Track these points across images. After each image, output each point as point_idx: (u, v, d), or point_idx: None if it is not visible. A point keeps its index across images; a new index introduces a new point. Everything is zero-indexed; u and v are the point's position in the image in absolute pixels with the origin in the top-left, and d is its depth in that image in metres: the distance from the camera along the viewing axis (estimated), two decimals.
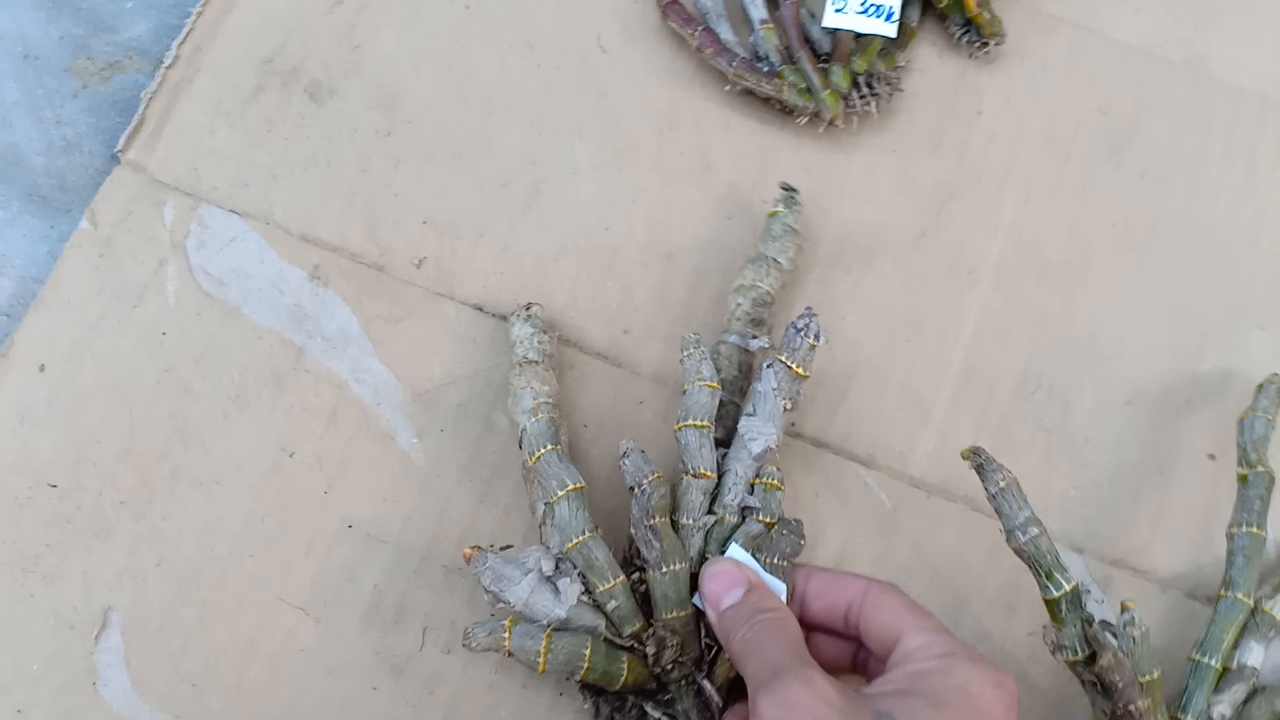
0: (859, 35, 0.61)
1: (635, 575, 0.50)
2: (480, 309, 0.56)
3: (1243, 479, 0.54)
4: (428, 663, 0.51)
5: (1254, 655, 0.52)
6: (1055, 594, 0.50)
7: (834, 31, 0.62)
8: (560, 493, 0.49)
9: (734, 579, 0.46)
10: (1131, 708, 0.48)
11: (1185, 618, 0.54)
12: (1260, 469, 0.54)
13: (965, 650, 0.42)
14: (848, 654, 0.48)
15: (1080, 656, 0.50)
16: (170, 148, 0.58)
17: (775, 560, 0.49)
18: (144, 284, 0.55)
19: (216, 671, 0.50)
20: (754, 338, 0.55)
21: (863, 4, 0.58)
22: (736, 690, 0.49)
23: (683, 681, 0.48)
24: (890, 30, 0.61)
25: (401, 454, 0.54)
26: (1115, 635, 0.50)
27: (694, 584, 0.49)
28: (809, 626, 0.48)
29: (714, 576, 0.47)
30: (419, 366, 0.55)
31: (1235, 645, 0.52)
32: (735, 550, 0.48)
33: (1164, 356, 0.59)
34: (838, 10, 0.61)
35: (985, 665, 0.42)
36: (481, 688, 0.51)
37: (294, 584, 0.52)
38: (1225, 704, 0.51)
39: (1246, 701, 0.52)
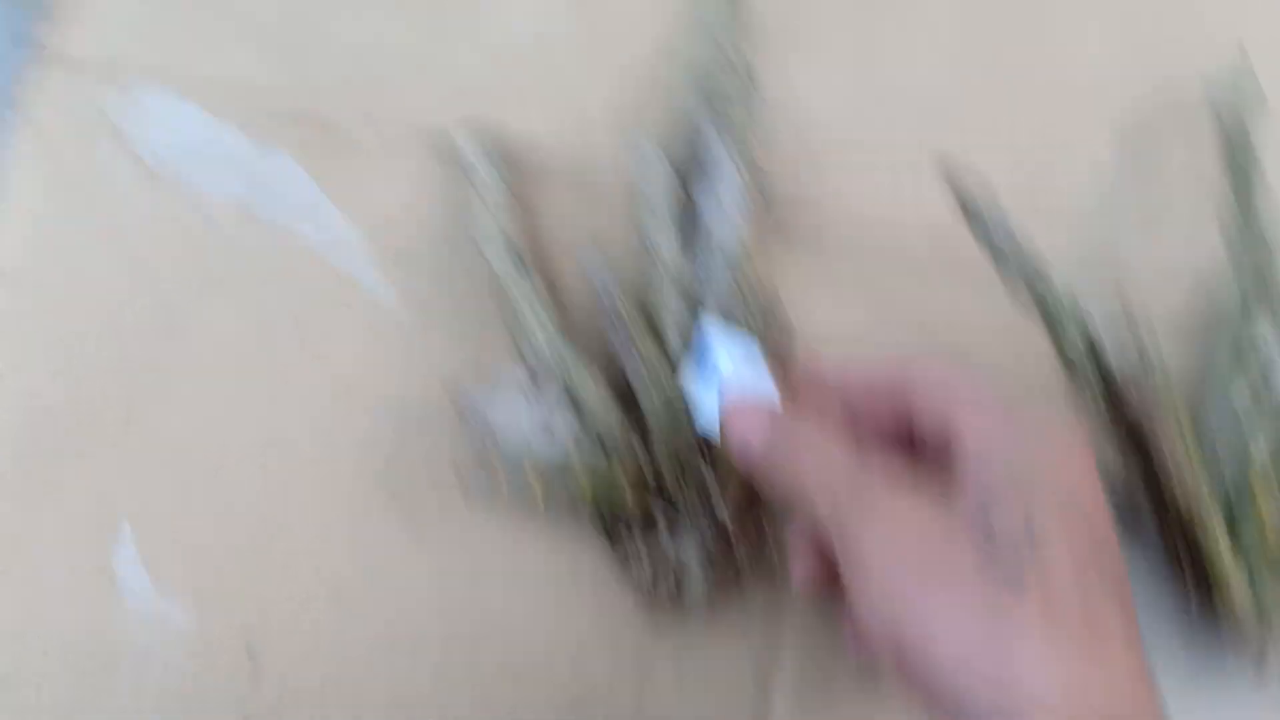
0: None
1: (623, 383, 0.48)
2: (430, 137, 0.53)
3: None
4: (448, 520, 0.50)
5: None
6: (1068, 350, 0.47)
7: None
8: (529, 311, 0.48)
9: (754, 417, 0.41)
10: (1161, 446, 0.45)
11: (1198, 336, 0.51)
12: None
13: (1031, 419, 0.37)
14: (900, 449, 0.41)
15: (1101, 405, 0.47)
16: (90, 30, 0.54)
17: (752, 327, 0.47)
18: (90, 177, 0.52)
19: (236, 560, 0.49)
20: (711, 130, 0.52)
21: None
22: (750, 501, 0.47)
23: (690, 505, 0.47)
24: None
25: (382, 309, 0.52)
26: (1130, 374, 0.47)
27: (676, 375, 0.47)
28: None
29: (732, 417, 0.42)
30: (385, 219, 0.53)
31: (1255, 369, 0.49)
32: (707, 325, 0.46)
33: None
34: None
35: (1055, 430, 0.37)
36: (505, 534, 0.50)
37: (299, 459, 0.50)
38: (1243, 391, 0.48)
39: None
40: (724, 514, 0.47)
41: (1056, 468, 0.36)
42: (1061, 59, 0.56)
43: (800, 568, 0.42)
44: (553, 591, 0.49)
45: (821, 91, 0.55)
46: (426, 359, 0.51)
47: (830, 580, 0.42)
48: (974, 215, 0.47)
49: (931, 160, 0.51)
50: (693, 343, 0.47)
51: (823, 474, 0.38)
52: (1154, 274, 0.53)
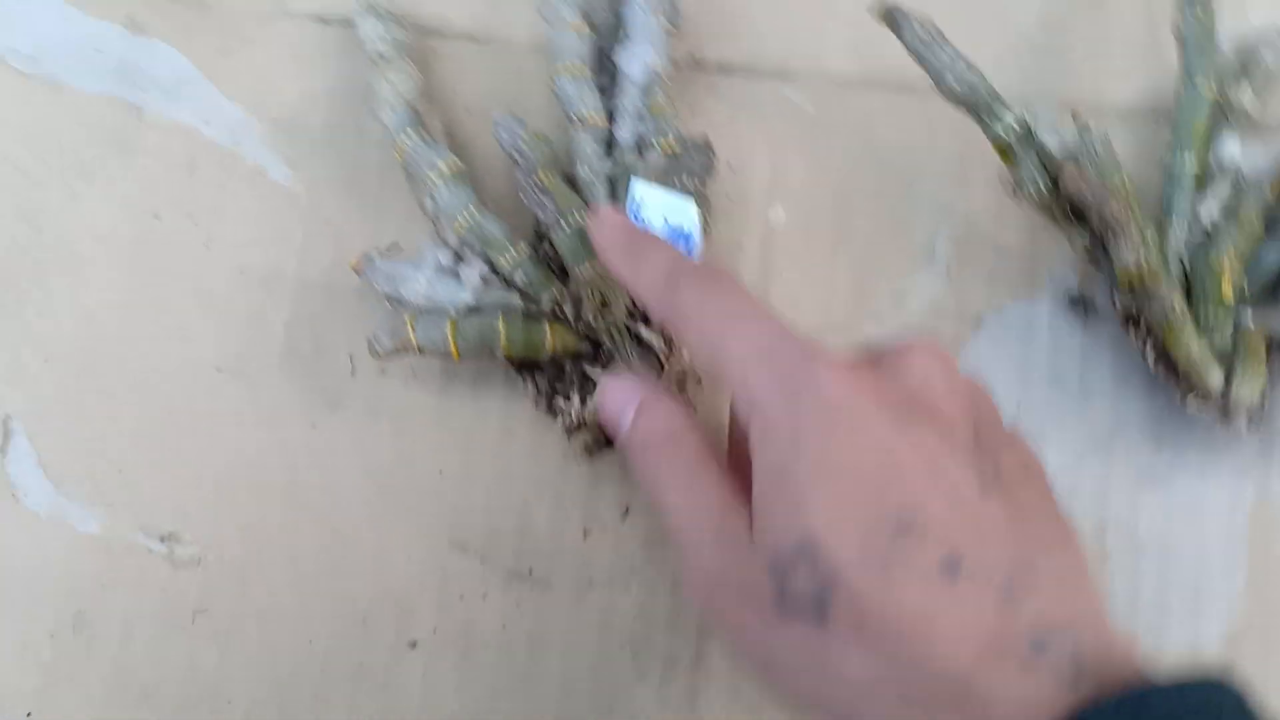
0: None
1: (546, 245, 0.46)
2: (322, 20, 0.51)
3: None
4: (364, 388, 0.47)
5: (1231, 149, 0.48)
6: (1003, 134, 0.46)
7: None
8: (434, 175, 0.45)
9: (621, 396, 0.37)
10: (1106, 214, 0.44)
11: (1151, 141, 0.50)
12: None
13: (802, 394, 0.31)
14: None
15: (1044, 190, 0.46)
16: None
17: (685, 180, 0.45)
18: None
19: (140, 450, 0.46)
20: None
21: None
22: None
23: (614, 332, 0.44)
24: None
25: (277, 187, 0.49)
26: (1075, 158, 0.46)
27: None
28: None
29: (602, 395, 0.38)
30: (270, 95, 0.50)
31: (1208, 142, 0.48)
32: (637, 186, 0.44)
33: None
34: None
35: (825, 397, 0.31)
36: (429, 396, 0.46)
37: (198, 345, 0.47)
38: (1211, 204, 0.47)
39: (1234, 198, 0.47)
40: (650, 336, 0.44)
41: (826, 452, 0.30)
42: None
43: None
44: (485, 448, 0.46)
45: None
46: (331, 238, 0.49)
47: None
48: (897, 18, 0.45)
49: None
50: (625, 200, 0.45)
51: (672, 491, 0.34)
52: (1098, 78, 0.52)
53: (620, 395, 0.36)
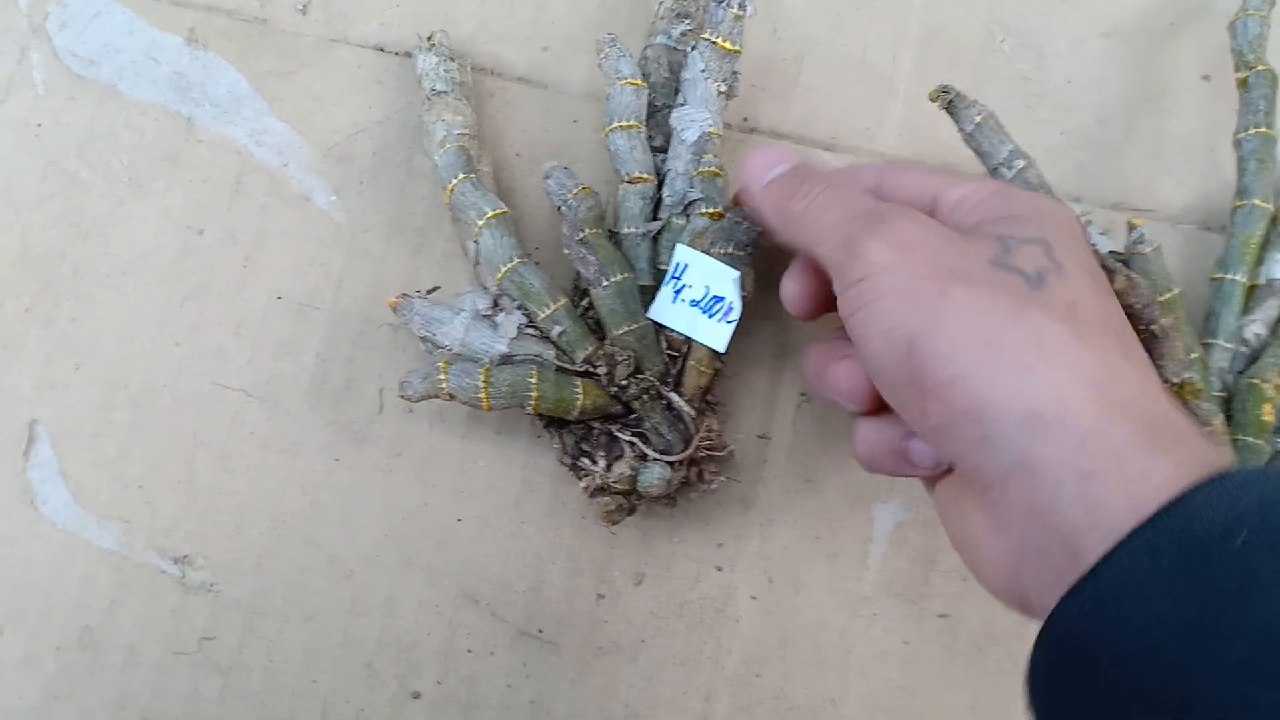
0: None
1: (585, 302, 0.46)
2: (381, 49, 0.51)
3: (1242, 83, 0.49)
4: (390, 426, 0.47)
5: None
6: None
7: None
8: (480, 222, 0.45)
9: (776, 155, 0.39)
10: (1155, 327, 0.43)
11: (1202, 251, 0.50)
12: (1260, 68, 0.48)
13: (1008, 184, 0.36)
14: None
15: None
16: None
17: (730, 251, 0.45)
18: (8, 77, 0.50)
19: (162, 470, 0.46)
20: (679, 28, 0.49)
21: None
22: (708, 401, 0.45)
23: (646, 397, 0.44)
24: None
25: (321, 214, 0.49)
26: (1125, 263, 0.45)
27: (645, 296, 0.45)
28: None
29: (752, 155, 0.40)
30: (323, 119, 0.50)
31: (1260, 259, 0.47)
32: (681, 251, 0.44)
33: None
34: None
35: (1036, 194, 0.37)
36: (453, 440, 0.46)
37: (229, 367, 0.47)
38: (1259, 323, 0.47)
39: None
40: (681, 404, 0.44)
41: (1054, 209, 0.34)
42: None
43: (793, 285, 0.40)
44: (505, 499, 0.46)
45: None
46: (370, 270, 0.48)
47: (822, 307, 0.39)
48: (957, 104, 0.45)
49: (910, 71, 0.49)
50: (669, 265, 0.45)
51: (835, 209, 0.35)
52: (1152, 179, 0.51)
53: (767, 155, 0.40)
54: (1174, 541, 0.26)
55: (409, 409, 0.47)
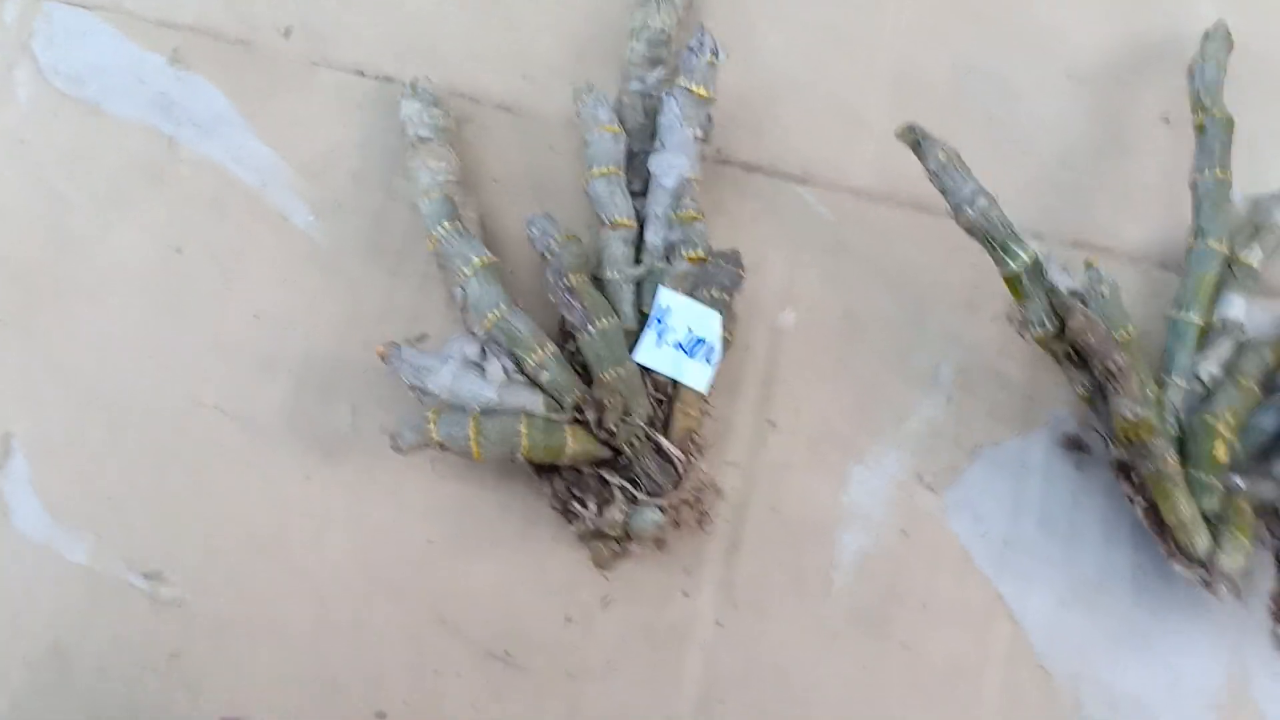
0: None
1: (572, 346, 0.46)
2: (361, 73, 0.52)
3: (1199, 127, 0.50)
4: (362, 445, 0.47)
5: (1236, 308, 0.49)
6: (1015, 267, 0.46)
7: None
8: (467, 270, 0.45)
9: None
10: (1110, 365, 0.44)
11: (1159, 289, 0.51)
12: (1216, 114, 0.50)
13: None
14: None
15: (1050, 329, 0.46)
16: None
17: (714, 293, 0.46)
18: None
19: (135, 484, 0.46)
20: (653, 74, 0.51)
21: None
22: (693, 442, 0.46)
23: (635, 441, 0.44)
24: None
25: (299, 234, 0.49)
26: (1083, 300, 0.46)
27: (629, 339, 0.45)
28: None
29: None
30: (303, 141, 0.50)
31: (1214, 299, 0.49)
32: (664, 294, 0.44)
33: (1101, 23, 0.54)
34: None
35: None
36: (426, 461, 0.47)
37: (205, 383, 0.47)
38: (1212, 362, 0.48)
39: (1235, 358, 0.48)
40: (670, 447, 0.45)
41: None
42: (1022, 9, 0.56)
43: None
44: (476, 520, 0.47)
45: (777, 36, 0.54)
46: (346, 291, 0.49)
47: None
48: (921, 142, 0.46)
49: (881, 107, 0.50)
50: (652, 308, 0.46)
51: None
52: (1112, 217, 0.53)
53: None
54: None
55: (380, 427, 0.47)
